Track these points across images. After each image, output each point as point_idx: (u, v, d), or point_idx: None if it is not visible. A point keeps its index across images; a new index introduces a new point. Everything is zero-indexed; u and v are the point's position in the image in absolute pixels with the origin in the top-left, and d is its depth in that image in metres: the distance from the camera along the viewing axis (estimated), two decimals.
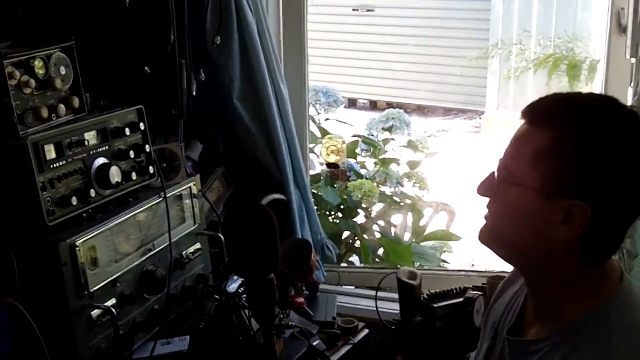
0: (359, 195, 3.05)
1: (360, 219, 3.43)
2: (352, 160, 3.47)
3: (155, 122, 2.31)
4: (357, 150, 3.60)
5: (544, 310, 1.47)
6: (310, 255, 2.33)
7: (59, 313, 1.74)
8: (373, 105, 9.35)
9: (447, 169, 5.72)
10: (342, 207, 3.29)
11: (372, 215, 3.36)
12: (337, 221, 3.31)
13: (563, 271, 1.40)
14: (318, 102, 3.27)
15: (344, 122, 3.48)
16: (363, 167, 3.59)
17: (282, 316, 1.74)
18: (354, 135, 3.51)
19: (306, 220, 2.67)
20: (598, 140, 1.31)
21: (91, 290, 1.79)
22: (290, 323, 2.12)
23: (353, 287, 2.97)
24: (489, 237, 1.47)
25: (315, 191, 3.25)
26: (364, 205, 3.32)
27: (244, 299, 1.71)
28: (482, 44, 7.15)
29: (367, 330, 2.38)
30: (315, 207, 3.22)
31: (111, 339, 1.85)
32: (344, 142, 3.09)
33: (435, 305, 2.25)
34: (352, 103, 9.18)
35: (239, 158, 2.61)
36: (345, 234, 3.42)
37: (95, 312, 1.80)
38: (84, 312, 1.77)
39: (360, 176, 3.33)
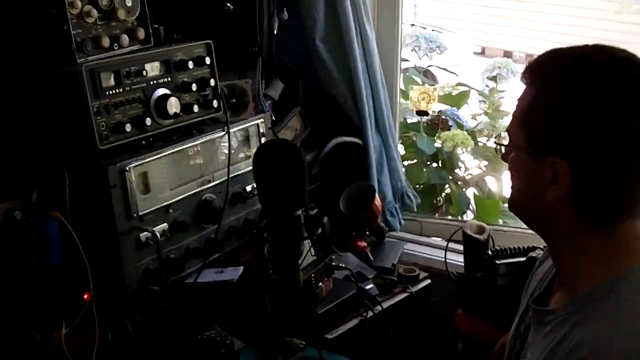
0: (450, 146, 2.96)
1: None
2: (458, 111, 3.36)
3: (239, 60, 2.38)
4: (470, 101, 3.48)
5: (562, 280, 1.41)
6: (372, 200, 2.31)
7: (107, 232, 1.85)
8: (508, 55, 8.93)
9: None
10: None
11: (467, 168, 3.26)
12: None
13: (569, 236, 1.33)
14: (419, 47, 3.17)
15: (447, 70, 3.37)
16: (474, 118, 3.47)
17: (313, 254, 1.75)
18: (458, 84, 3.39)
19: (386, 166, 2.64)
20: (573, 96, 1.24)
21: (140, 213, 1.89)
22: (340, 265, 2.13)
23: (440, 239, 2.90)
24: (509, 204, 1.45)
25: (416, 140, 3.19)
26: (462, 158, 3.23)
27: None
28: None
29: (429, 281, 2.33)
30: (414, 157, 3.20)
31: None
32: (435, 89, 2.99)
33: (498, 262, 2.17)
34: (482, 51, 8.82)
35: (320, 99, 2.61)
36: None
37: (144, 235, 1.90)
38: (131, 233, 1.87)
39: (461, 127, 3.22)
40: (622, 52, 1.29)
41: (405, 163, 3.29)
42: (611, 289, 1.25)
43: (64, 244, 1.80)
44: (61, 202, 1.81)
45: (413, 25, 6.22)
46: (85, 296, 1.81)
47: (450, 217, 3.14)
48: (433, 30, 5.78)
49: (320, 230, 1.69)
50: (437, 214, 3.30)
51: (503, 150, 1.42)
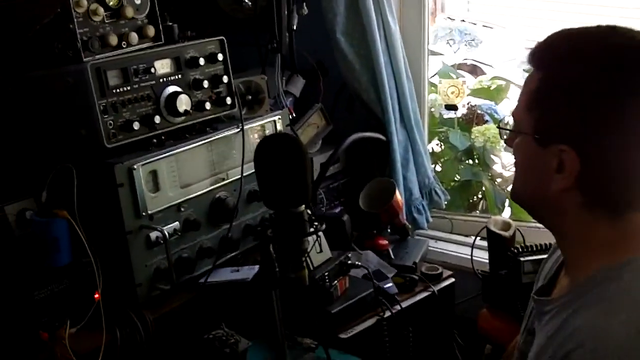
0: (481, 141, 2.87)
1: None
2: (496, 106, 3.26)
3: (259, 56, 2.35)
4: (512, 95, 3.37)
5: (567, 269, 1.36)
6: (392, 196, 2.24)
7: (115, 231, 1.84)
8: None
9: None
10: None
11: (505, 165, 3.15)
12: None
13: (573, 225, 1.27)
14: (452, 40, 3.09)
15: (482, 63, 3.27)
16: None
17: (318, 251, 1.71)
18: (494, 78, 3.29)
19: (412, 161, 2.57)
20: (585, 80, 1.17)
21: (150, 212, 1.88)
22: (357, 263, 2.09)
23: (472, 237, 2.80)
24: (511, 192, 1.40)
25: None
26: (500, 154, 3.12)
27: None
28: None
29: (452, 280, 2.26)
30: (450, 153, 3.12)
31: (173, 260, 1.93)
32: (464, 83, 2.90)
33: (522, 259, 2.09)
34: None
35: (345, 94, 2.57)
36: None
37: (154, 234, 1.88)
38: (140, 232, 1.86)
39: (497, 121, 3.11)
40: (639, 35, 1.21)
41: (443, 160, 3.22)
42: (612, 276, 1.20)
43: (73, 243, 1.80)
44: (70, 201, 1.81)
45: (463, 21, 6.10)
46: (96, 296, 1.81)
47: (480, 214, 3.04)
48: (484, 26, 5.66)
49: (323, 226, 1.64)
50: (477, 212, 3.21)
51: (507, 135, 1.36)
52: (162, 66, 1.93)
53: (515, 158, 1.34)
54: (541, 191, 1.26)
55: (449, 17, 6.03)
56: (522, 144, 1.28)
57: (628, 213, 1.23)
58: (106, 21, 1.87)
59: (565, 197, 1.24)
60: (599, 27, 1.23)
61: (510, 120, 1.37)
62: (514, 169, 1.40)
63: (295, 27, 2.39)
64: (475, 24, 5.85)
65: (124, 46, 1.91)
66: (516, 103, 1.31)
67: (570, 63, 1.21)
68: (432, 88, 3.07)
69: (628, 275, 1.19)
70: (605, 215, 1.23)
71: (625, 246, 1.22)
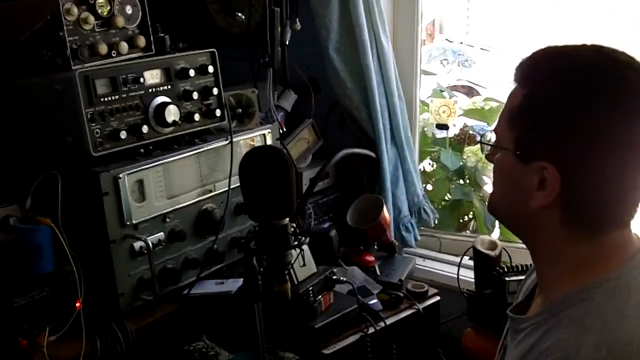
0: (473, 161, 2.87)
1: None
2: (489, 127, 3.27)
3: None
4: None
5: (541, 287, 1.34)
6: (379, 213, 2.24)
7: (99, 240, 1.83)
8: None
9: None
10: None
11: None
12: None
13: (550, 243, 1.26)
14: (445, 60, 3.10)
15: (475, 84, 3.28)
16: None
17: (302, 265, 1.70)
18: (487, 99, 3.30)
19: (402, 180, 2.57)
20: (568, 98, 1.16)
21: (135, 221, 1.87)
22: (341, 279, 2.08)
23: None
24: (488, 205, 1.39)
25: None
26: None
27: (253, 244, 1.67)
28: None
29: (438, 298, 2.25)
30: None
31: (157, 271, 1.93)
32: (455, 102, 2.91)
33: (507, 279, 2.08)
34: None
35: (334, 111, 2.57)
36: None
37: (138, 244, 1.88)
38: (124, 241, 1.86)
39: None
40: (623, 55, 1.21)
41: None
42: (585, 297, 1.19)
43: (56, 251, 1.80)
44: (55, 208, 1.80)
45: (461, 43, 6.15)
46: (77, 304, 1.80)
47: (470, 234, 3.04)
48: (481, 48, 5.71)
49: (306, 239, 1.63)
50: (467, 232, 3.20)
51: (488, 150, 1.36)
52: (152, 76, 1.94)
53: (494, 173, 1.34)
54: (520, 207, 1.25)
55: (447, 39, 6.08)
56: (503, 159, 1.28)
57: (605, 232, 1.22)
58: (96, 30, 1.88)
59: (544, 214, 1.22)
60: (584, 46, 1.23)
61: (492, 136, 1.37)
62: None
63: (287, 42, 2.39)
64: (472, 46, 5.90)
65: (114, 55, 1.92)
66: (498, 118, 1.31)
67: (554, 81, 1.20)
68: (425, 107, 3.08)
69: (599, 297, 1.18)
70: (582, 233, 1.22)
71: (597, 266, 1.21)
